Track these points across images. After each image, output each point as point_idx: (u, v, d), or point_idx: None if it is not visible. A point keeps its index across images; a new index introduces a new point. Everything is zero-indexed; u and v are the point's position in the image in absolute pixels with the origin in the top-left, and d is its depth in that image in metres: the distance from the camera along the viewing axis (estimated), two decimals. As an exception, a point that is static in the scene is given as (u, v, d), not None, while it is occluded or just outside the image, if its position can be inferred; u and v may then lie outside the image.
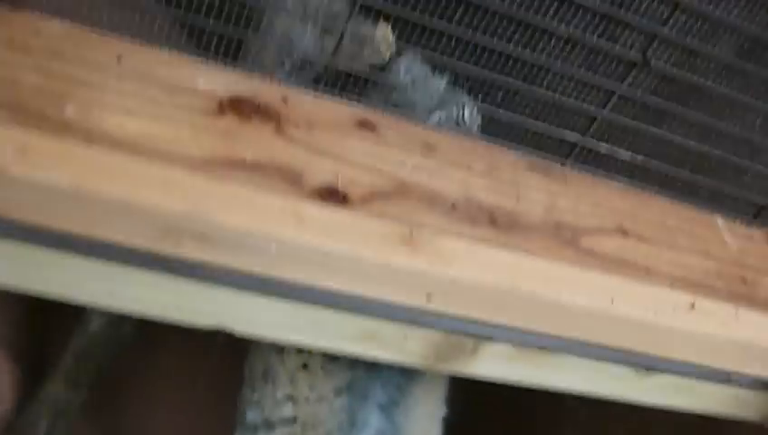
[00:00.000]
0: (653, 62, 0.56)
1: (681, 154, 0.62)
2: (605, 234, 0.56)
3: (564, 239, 0.53)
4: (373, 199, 0.48)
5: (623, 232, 0.56)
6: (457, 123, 0.70)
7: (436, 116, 0.67)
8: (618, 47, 0.55)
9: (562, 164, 0.57)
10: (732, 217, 0.65)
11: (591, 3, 0.52)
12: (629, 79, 0.57)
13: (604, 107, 0.59)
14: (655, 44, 0.56)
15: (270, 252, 0.44)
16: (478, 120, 0.72)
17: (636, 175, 0.62)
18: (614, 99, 0.58)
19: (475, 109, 0.68)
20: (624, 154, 0.61)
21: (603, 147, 0.60)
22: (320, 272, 0.45)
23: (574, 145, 0.60)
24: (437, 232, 0.48)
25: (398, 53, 0.56)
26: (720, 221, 0.65)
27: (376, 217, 0.47)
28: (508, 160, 0.55)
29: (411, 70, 0.60)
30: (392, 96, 0.59)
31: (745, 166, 0.63)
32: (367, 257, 0.45)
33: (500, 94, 0.59)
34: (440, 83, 0.65)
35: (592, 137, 0.60)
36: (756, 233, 0.66)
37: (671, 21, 0.54)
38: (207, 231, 0.42)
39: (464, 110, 0.70)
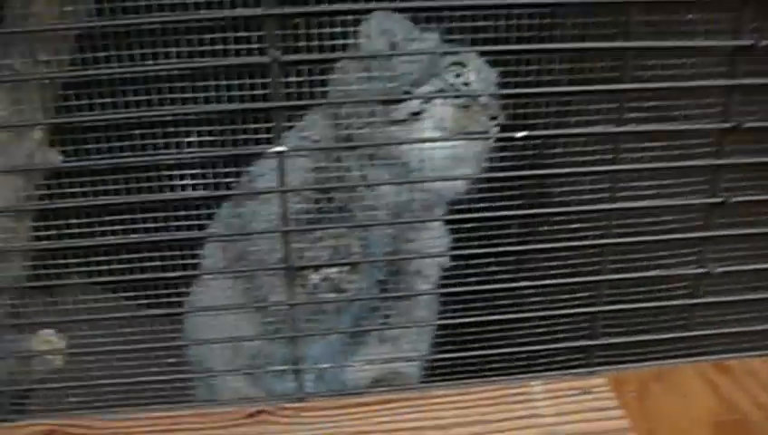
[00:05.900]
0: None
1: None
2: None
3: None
4: None
5: None
6: (458, 89, 0.51)
7: (429, 87, 0.49)
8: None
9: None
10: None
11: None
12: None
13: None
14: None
15: None
16: (494, 77, 0.53)
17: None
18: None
19: (486, 64, 0.51)
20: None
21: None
22: None
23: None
24: None
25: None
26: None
27: None
28: None
29: (386, 30, 0.46)
30: (367, 68, 0.44)
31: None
32: None
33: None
34: (431, 39, 0.48)
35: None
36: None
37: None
38: None
39: (468, 70, 0.51)
